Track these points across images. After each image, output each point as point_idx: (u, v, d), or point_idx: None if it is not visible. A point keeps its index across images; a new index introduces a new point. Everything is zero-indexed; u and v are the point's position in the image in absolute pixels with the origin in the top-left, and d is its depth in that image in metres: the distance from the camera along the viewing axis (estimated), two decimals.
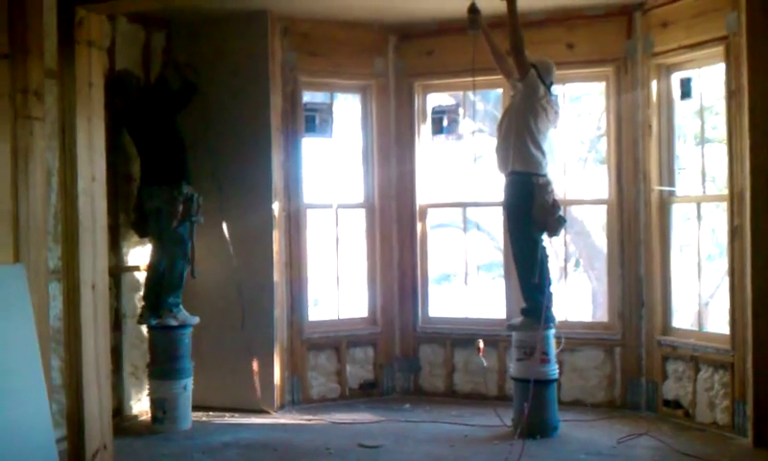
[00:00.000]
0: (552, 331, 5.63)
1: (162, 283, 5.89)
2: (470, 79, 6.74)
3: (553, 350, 5.62)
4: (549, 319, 5.58)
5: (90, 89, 4.60)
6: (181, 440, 5.63)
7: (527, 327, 5.60)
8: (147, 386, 6.05)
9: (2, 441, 3.80)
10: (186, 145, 6.03)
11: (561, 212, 5.63)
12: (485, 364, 6.20)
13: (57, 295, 4.99)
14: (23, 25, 4.33)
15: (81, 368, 4.46)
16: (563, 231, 5.89)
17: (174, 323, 5.87)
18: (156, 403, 5.86)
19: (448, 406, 6.46)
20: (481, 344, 6.04)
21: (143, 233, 6.04)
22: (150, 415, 5.95)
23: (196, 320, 6.01)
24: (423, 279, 6.97)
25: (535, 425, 5.45)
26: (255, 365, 6.22)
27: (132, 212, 6.03)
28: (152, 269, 5.97)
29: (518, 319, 5.77)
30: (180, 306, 5.96)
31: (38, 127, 4.39)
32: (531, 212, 5.52)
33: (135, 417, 6.15)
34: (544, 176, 5.58)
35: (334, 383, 6.71)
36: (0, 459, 3.77)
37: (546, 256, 5.70)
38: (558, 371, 5.72)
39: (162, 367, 5.87)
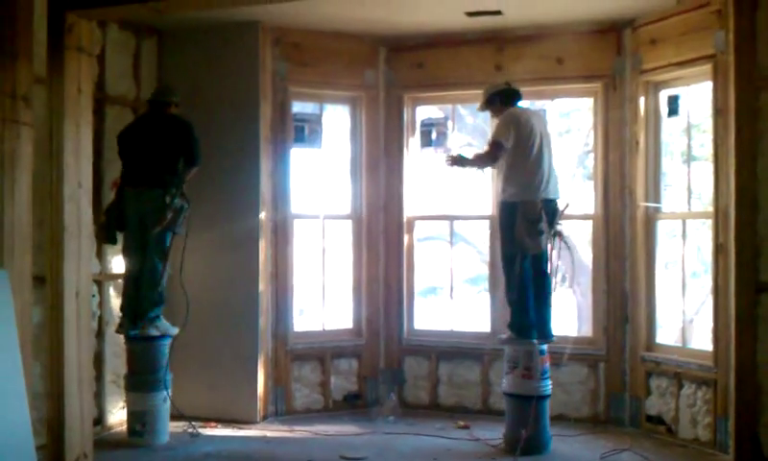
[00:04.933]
0: (541, 347, 5.57)
1: (141, 293, 5.73)
2: (460, 92, 6.83)
3: (539, 366, 5.59)
4: (532, 335, 5.58)
5: (79, 96, 4.60)
6: (162, 450, 5.59)
7: (512, 343, 5.64)
8: (124, 398, 5.96)
9: None
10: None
11: (541, 225, 5.61)
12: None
13: (39, 301, 4.95)
14: (12, 29, 4.33)
15: (62, 375, 4.45)
16: (554, 244, 5.82)
17: (155, 333, 5.73)
18: (134, 416, 5.72)
19: (432, 419, 6.45)
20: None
21: (112, 239, 5.76)
22: (126, 427, 5.84)
23: (176, 330, 5.87)
24: (409, 292, 6.97)
25: (528, 441, 5.43)
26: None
27: (103, 215, 5.77)
28: (130, 278, 5.80)
29: (506, 334, 5.79)
30: (161, 317, 5.83)
31: (26, 132, 4.38)
32: (513, 232, 5.55)
33: (116, 426, 6.10)
34: (528, 200, 5.55)
35: (318, 394, 6.69)
36: None
37: (542, 273, 5.69)
38: (542, 387, 5.58)
39: (141, 379, 5.74)
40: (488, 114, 6.22)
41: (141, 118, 5.96)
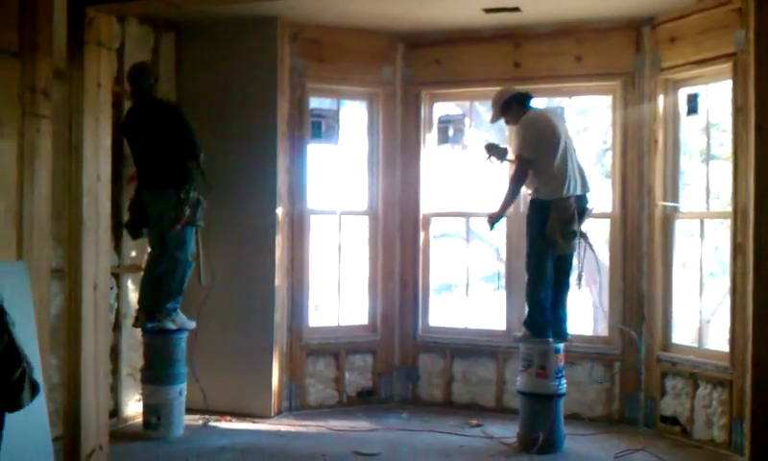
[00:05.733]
0: (556, 346, 5.56)
1: (161, 287, 5.77)
2: (477, 89, 6.81)
3: (554, 365, 5.55)
4: (548, 333, 5.56)
5: (98, 90, 4.62)
6: (177, 443, 5.63)
7: (527, 340, 5.61)
8: (140, 390, 6.02)
9: None
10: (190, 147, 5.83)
11: (574, 227, 5.55)
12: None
13: (57, 293, 5.00)
14: (33, 24, 4.35)
15: (79, 367, 4.48)
16: (580, 244, 5.76)
17: (172, 326, 5.76)
18: (150, 409, 5.77)
19: (446, 416, 6.44)
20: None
21: (137, 235, 5.90)
22: (142, 420, 5.88)
23: (193, 324, 5.93)
24: (425, 289, 6.97)
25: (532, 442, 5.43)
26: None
27: (127, 212, 5.89)
28: (149, 272, 5.86)
29: (521, 331, 5.76)
30: (179, 310, 5.88)
31: (45, 125, 4.41)
32: (545, 229, 5.50)
33: (132, 418, 6.14)
34: (561, 197, 5.51)
35: (332, 390, 6.70)
36: None
37: (564, 272, 5.67)
38: (557, 386, 5.55)
39: (157, 372, 5.78)
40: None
41: (134, 111, 5.86)
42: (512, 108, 5.74)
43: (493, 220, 5.71)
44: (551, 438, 5.49)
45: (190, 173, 5.77)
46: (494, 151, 5.96)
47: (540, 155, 5.52)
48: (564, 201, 5.49)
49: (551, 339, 5.54)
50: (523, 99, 5.75)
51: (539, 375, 5.50)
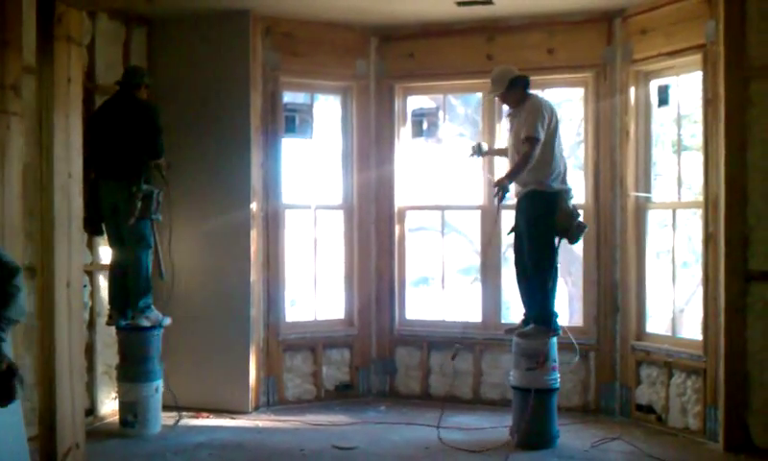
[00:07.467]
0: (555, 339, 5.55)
1: (128, 283, 5.72)
2: (451, 82, 6.81)
3: (557, 357, 5.53)
4: (557, 327, 5.54)
5: (69, 85, 4.58)
6: (154, 440, 5.60)
7: (540, 335, 5.44)
8: (116, 388, 5.96)
9: None
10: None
11: (580, 220, 5.53)
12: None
13: (29, 291, 4.93)
14: (2, 19, 4.31)
15: (54, 366, 4.44)
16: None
17: (146, 323, 5.72)
18: (126, 406, 5.72)
19: (424, 409, 6.46)
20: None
21: (97, 231, 5.79)
22: (118, 418, 5.83)
23: (168, 320, 5.89)
24: (401, 282, 6.98)
25: (537, 436, 5.39)
26: None
27: (84, 208, 5.63)
28: (115, 269, 5.80)
29: (528, 326, 5.55)
30: (152, 307, 5.83)
31: (15, 122, 4.36)
32: (554, 220, 5.44)
33: (108, 417, 6.09)
34: (566, 188, 5.51)
35: (310, 385, 6.70)
36: None
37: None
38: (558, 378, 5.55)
39: (133, 369, 5.73)
40: (479, 105, 6.14)
41: (109, 102, 5.82)
42: (516, 86, 5.55)
43: (503, 187, 5.37)
44: (557, 431, 5.49)
45: (146, 167, 5.68)
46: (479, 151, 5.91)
47: (550, 138, 5.42)
48: (567, 193, 5.50)
49: (559, 330, 5.53)
50: (527, 82, 5.61)
51: (553, 368, 5.44)
